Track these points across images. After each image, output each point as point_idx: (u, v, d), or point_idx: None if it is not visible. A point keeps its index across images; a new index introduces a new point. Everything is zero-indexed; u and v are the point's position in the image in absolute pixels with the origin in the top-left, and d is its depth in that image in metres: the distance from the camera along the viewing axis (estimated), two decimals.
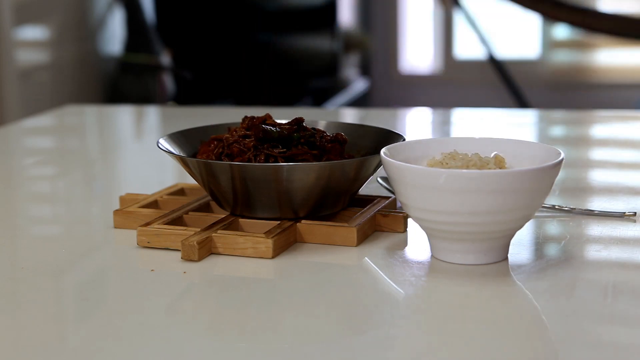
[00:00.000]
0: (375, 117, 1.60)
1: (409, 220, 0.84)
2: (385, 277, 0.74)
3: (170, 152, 0.84)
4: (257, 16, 3.04)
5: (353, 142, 0.91)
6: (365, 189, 0.88)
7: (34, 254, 0.82)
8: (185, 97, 2.96)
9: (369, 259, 0.78)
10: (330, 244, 0.80)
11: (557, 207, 0.89)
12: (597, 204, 0.93)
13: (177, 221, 0.82)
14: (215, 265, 0.76)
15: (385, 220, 0.84)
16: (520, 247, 0.79)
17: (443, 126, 1.53)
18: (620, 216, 0.87)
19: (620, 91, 4.05)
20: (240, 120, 0.87)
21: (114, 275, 0.77)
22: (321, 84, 3.71)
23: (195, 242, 0.76)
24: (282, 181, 0.78)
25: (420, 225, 0.77)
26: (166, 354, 0.60)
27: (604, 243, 0.81)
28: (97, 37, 2.86)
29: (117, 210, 0.86)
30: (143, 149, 1.36)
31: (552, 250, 0.79)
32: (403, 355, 0.60)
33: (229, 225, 0.81)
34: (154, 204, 0.89)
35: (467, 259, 0.74)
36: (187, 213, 0.84)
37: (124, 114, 1.72)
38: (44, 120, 1.57)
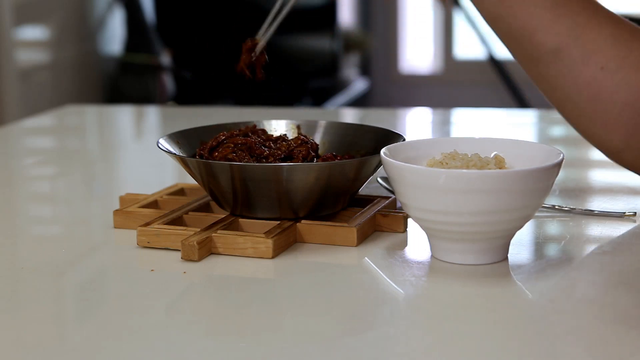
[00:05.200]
0: (375, 117, 1.60)
1: (409, 220, 0.84)
2: (385, 277, 0.74)
3: (170, 152, 0.84)
4: (257, 16, 3.04)
5: (353, 142, 0.91)
6: (365, 189, 0.88)
7: (34, 254, 0.82)
8: (185, 97, 2.96)
9: (369, 259, 0.78)
10: (330, 244, 0.80)
11: (557, 207, 0.89)
12: (597, 204, 0.93)
13: (177, 221, 0.82)
14: (215, 265, 0.76)
15: (385, 220, 0.83)
16: (520, 247, 0.79)
17: (443, 126, 1.53)
18: (620, 216, 0.87)
19: None
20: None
21: (114, 275, 0.77)
22: (321, 84, 3.71)
23: (195, 242, 0.76)
24: (282, 181, 0.78)
25: (420, 225, 0.77)
26: (166, 354, 0.60)
27: (604, 243, 0.81)
28: (97, 37, 2.86)
29: (117, 210, 0.86)
30: (143, 149, 1.36)
31: (552, 250, 0.79)
32: (403, 355, 0.60)
33: (229, 225, 0.81)
34: (154, 204, 0.89)
35: (467, 259, 0.74)
36: (187, 213, 0.84)
37: (124, 114, 1.72)
38: (44, 120, 1.57)
